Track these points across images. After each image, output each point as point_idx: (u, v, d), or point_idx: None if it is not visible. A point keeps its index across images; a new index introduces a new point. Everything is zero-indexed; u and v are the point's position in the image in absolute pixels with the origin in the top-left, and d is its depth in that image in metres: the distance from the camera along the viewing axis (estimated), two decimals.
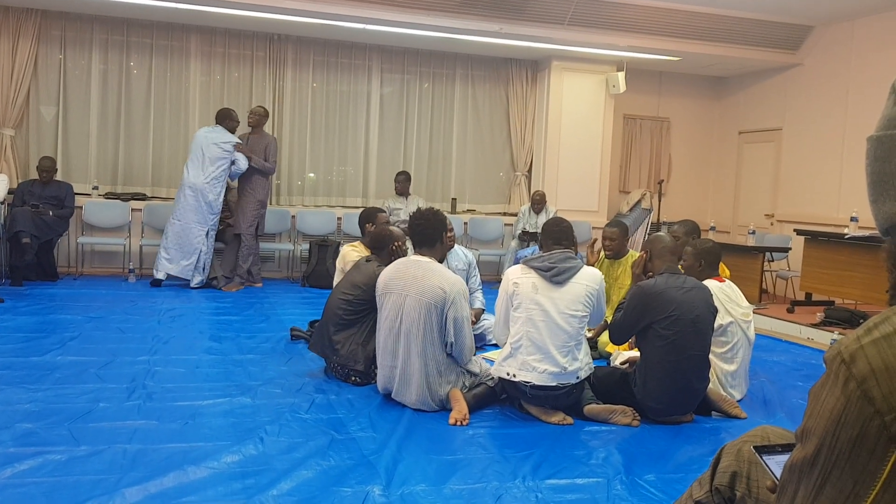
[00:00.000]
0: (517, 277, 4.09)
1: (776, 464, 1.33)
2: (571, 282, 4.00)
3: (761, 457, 1.38)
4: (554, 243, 4.19)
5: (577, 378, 3.95)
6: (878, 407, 0.81)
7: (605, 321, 5.05)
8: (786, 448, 1.36)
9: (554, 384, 3.90)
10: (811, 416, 0.90)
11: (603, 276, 4.21)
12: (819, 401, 0.89)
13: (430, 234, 4.28)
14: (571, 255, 4.11)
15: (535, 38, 8.87)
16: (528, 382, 3.91)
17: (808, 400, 0.92)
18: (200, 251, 7.94)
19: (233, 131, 8.15)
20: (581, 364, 3.97)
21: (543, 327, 3.93)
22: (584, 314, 4.00)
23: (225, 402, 4.09)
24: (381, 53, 9.77)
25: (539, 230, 8.97)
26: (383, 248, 4.86)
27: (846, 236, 7.23)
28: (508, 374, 3.98)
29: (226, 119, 8.17)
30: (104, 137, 8.95)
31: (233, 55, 9.29)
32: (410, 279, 4.12)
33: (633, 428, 3.99)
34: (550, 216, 8.33)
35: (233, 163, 8.00)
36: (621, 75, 9.69)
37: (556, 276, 3.99)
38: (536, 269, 4.05)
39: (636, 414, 4.05)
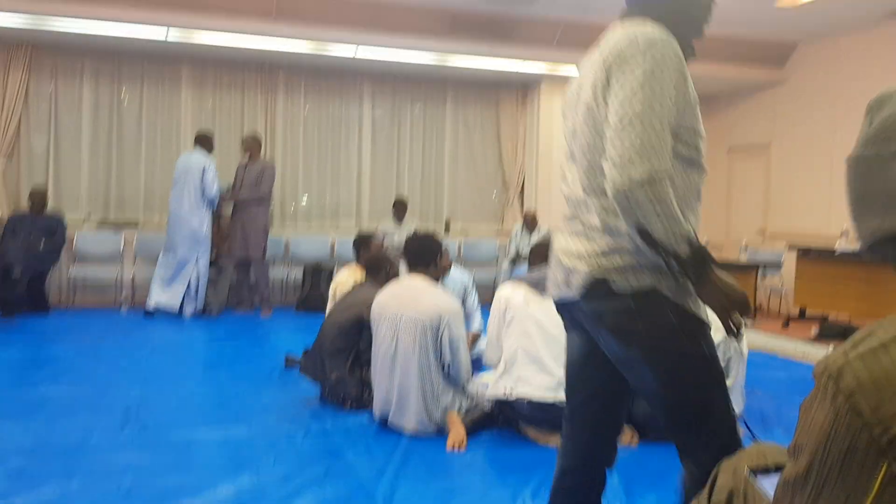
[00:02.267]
0: (508, 294, 4.10)
1: (770, 485, 1.32)
2: None
3: (756, 479, 1.38)
4: (542, 261, 4.22)
5: None
6: (867, 420, 0.81)
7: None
8: (781, 469, 1.35)
9: (551, 398, 3.87)
10: (802, 431, 0.90)
11: None
12: (809, 416, 0.89)
13: (425, 255, 4.29)
14: None
15: (524, 58, 8.93)
16: (524, 398, 3.89)
17: (799, 415, 0.93)
18: (191, 279, 7.92)
19: (210, 153, 8.17)
20: None
21: (538, 339, 3.92)
22: None
23: (219, 431, 4.06)
24: (372, 77, 9.83)
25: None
26: (380, 272, 4.84)
27: (837, 251, 7.26)
28: (505, 391, 3.96)
29: (203, 142, 8.18)
30: (95, 167, 8.96)
31: (224, 83, 9.33)
32: (405, 301, 4.11)
33: (632, 448, 3.97)
34: (542, 235, 8.36)
35: (202, 186, 7.97)
36: None
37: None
38: (527, 283, 4.06)
39: (635, 433, 4.03)
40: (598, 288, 1.91)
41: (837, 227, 8.06)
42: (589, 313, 1.98)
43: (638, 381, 2.00)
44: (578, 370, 2.22)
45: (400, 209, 9.28)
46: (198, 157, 8.03)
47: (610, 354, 2.01)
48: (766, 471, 1.39)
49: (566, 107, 2.16)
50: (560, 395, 3.87)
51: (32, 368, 5.42)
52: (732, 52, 9.17)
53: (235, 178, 8.43)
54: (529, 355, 3.92)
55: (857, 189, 0.97)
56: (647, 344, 1.89)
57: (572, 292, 1.99)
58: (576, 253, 1.98)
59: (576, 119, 2.04)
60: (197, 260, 7.95)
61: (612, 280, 1.89)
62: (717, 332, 4.54)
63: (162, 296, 7.95)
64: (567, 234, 2.05)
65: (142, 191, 9.10)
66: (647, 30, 1.87)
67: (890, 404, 0.80)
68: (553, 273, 2.13)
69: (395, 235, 8.80)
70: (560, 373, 3.88)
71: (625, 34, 1.90)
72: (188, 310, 7.93)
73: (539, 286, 4.02)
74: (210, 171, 7.99)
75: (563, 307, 2.15)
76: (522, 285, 4.07)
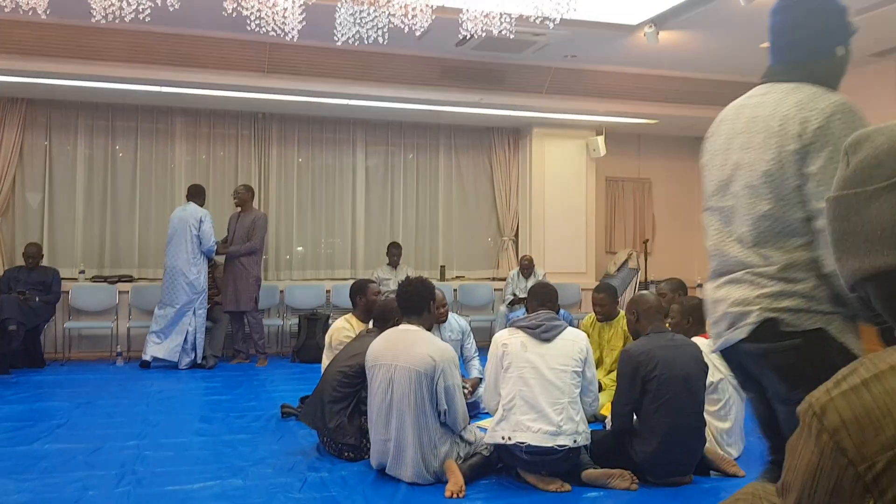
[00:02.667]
0: (505, 339, 4.11)
1: None
2: (559, 338, 4.05)
3: None
4: (539, 305, 4.25)
5: (575, 441, 3.91)
6: (852, 458, 0.82)
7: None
8: None
9: (550, 445, 3.86)
10: (789, 469, 0.91)
11: (586, 336, 4.24)
12: (795, 454, 0.90)
13: (418, 302, 4.29)
14: (556, 315, 4.17)
15: (515, 106, 9.04)
16: (523, 444, 3.87)
17: (786, 454, 0.93)
18: (188, 332, 7.91)
19: (202, 206, 8.21)
20: (577, 428, 3.93)
21: (535, 384, 3.92)
22: (575, 369, 4.00)
23: (216, 484, 4.02)
24: (365, 127, 9.93)
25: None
26: (388, 322, 4.75)
27: None
28: (504, 438, 3.94)
29: (196, 195, 8.23)
30: (90, 221, 8.99)
31: (217, 135, 9.41)
32: (399, 350, 4.11)
33: (632, 492, 3.94)
34: (539, 279, 8.37)
35: (199, 237, 8.00)
36: (601, 139, 9.86)
37: (545, 332, 4.03)
38: (524, 328, 4.07)
39: (634, 477, 4.01)
40: (767, 328, 2.00)
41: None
42: (753, 352, 2.06)
43: (792, 419, 2.08)
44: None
45: (395, 252, 9.31)
46: (193, 209, 8.07)
47: (771, 391, 2.09)
48: None
49: (711, 164, 2.25)
50: (558, 441, 3.86)
51: (28, 424, 5.37)
52: (721, 94, 9.26)
53: (228, 230, 8.46)
54: (527, 402, 3.91)
55: (837, 230, 0.99)
56: (812, 386, 1.94)
57: (740, 334, 2.06)
58: (742, 299, 2.06)
59: (735, 178, 2.14)
60: (195, 311, 7.95)
61: (783, 320, 1.98)
62: (715, 371, 4.55)
63: (158, 349, 7.92)
64: (726, 285, 2.14)
65: (136, 244, 9.11)
66: (834, 99, 1.99)
67: (873, 441, 0.81)
68: (716, 323, 2.20)
69: (391, 282, 8.80)
70: (557, 418, 3.88)
71: (809, 102, 2.01)
72: (184, 361, 7.90)
73: (537, 331, 4.04)
74: (206, 222, 8.03)
75: (728, 353, 2.22)
76: (520, 331, 4.08)
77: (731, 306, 2.10)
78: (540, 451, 3.88)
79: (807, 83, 2.05)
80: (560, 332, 4.07)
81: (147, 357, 7.94)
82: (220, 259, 8.47)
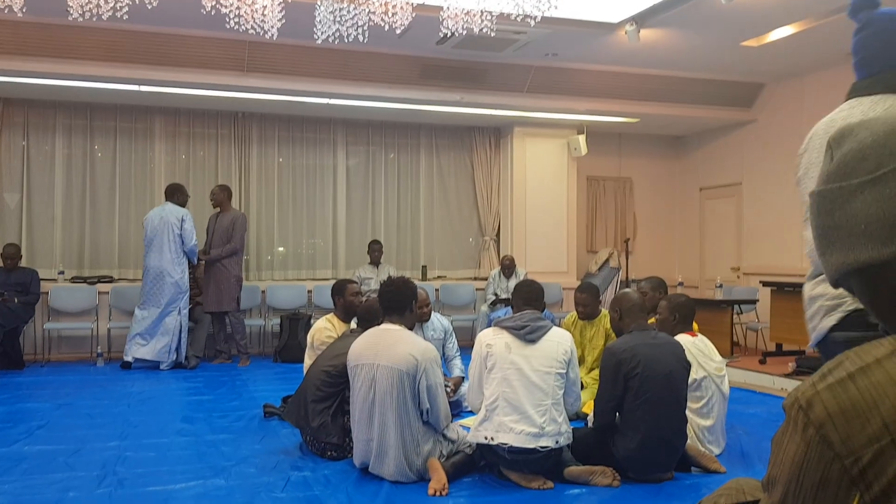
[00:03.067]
0: (490, 339, 4.10)
1: None
2: (544, 339, 4.03)
3: None
4: (525, 304, 4.23)
5: (557, 442, 3.92)
6: (838, 451, 0.82)
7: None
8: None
9: (532, 446, 3.86)
10: (775, 464, 0.91)
11: (572, 337, 4.22)
12: (781, 448, 0.90)
13: (400, 301, 4.28)
14: (541, 315, 4.15)
15: (495, 105, 9.06)
16: (505, 444, 3.88)
17: (771, 448, 0.93)
18: (172, 332, 7.86)
19: (183, 205, 8.15)
20: (560, 429, 3.94)
21: (519, 386, 3.92)
22: (559, 371, 4.00)
23: (198, 484, 4.00)
24: (346, 126, 9.90)
25: (510, 294, 9.03)
26: (371, 322, 4.72)
27: None
28: (486, 438, 3.95)
29: (175, 194, 8.17)
30: (69, 221, 8.91)
31: (197, 134, 9.36)
32: (381, 349, 4.10)
33: (614, 488, 3.95)
34: (521, 279, 8.38)
35: (181, 237, 7.95)
36: (582, 138, 9.89)
37: (529, 333, 4.01)
38: (509, 328, 4.07)
39: (616, 474, 4.02)
40: (857, 318, 2.05)
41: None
42: (842, 341, 2.10)
43: None
44: None
45: (375, 249, 9.29)
46: (172, 209, 8.01)
47: None
48: None
49: (806, 177, 2.39)
50: (540, 443, 3.87)
51: (7, 425, 5.32)
52: (701, 93, 9.36)
53: (207, 232, 8.41)
54: (510, 403, 3.91)
55: (821, 224, 0.98)
56: None
57: (830, 321, 2.15)
58: (837, 294, 2.12)
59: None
60: (179, 311, 7.90)
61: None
62: (699, 369, 4.58)
63: (144, 350, 7.86)
64: (823, 282, 2.23)
65: (116, 244, 9.05)
66: None
67: (859, 434, 0.82)
68: (811, 318, 2.29)
69: (373, 281, 8.79)
70: (540, 420, 3.88)
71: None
72: (166, 362, 7.84)
73: (521, 332, 4.03)
74: (188, 221, 7.99)
75: (822, 346, 2.29)
76: (504, 331, 4.08)
77: (826, 300, 2.19)
78: (522, 451, 3.88)
79: (891, 93, 2.16)
80: (545, 334, 4.06)
81: (129, 358, 7.88)
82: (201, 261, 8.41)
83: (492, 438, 3.92)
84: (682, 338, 4.50)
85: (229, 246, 8.15)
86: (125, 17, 5.18)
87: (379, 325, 4.41)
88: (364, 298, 5.54)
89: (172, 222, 7.92)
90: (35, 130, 8.82)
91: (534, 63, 8.55)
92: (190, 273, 8.23)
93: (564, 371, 4.03)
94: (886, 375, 0.83)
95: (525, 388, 3.92)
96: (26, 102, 8.71)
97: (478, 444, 4.07)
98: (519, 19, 5.47)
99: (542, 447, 3.87)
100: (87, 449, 4.69)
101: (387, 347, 4.09)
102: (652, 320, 4.85)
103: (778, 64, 8.64)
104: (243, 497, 3.79)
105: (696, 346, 4.54)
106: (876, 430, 0.81)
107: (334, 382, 4.52)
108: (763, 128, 9.81)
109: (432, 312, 5.81)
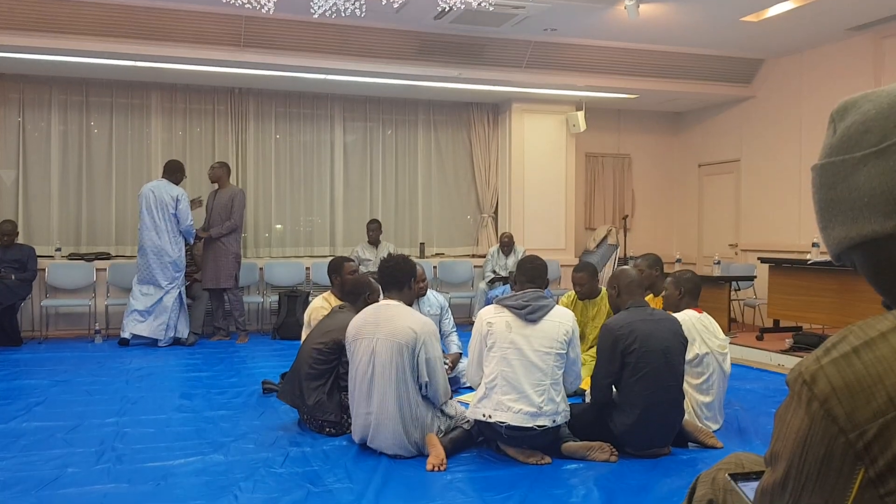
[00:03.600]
0: (491, 317, 4.09)
1: (752, 490, 1.33)
2: (545, 319, 4.02)
3: (737, 484, 1.38)
4: (528, 281, 4.21)
5: (554, 422, 3.93)
6: (842, 426, 0.82)
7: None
8: (760, 475, 1.36)
9: (529, 425, 3.88)
10: (778, 438, 0.91)
11: (574, 316, 4.21)
12: (784, 423, 0.89)
13: (399, 277, 4.29)
14: (543, 294, 4.14)
15: (494, 81, 9.00)
16: (503, 423, 3.89)
17: (774, 423, 0.93)
18: (170, 309, 7.86)
19: (179, 183, 8.11)
20: (558, 408, 3.95)
21: (518, 365, 3.92)
22: (559, 351, 4.00)
23: (197, 460, 4.01)
24: (343, 102, 9.85)
25: (509, 272, 9.03)
26: (359, 297, 4.81)
27: (809, 262, 7.35)
28: (484, 416, 3.96)
29: (175, 172, 8.12)
30: (66, 198, 8.88)
31: (194, 110, 9.30)
32: (381, 322, 4.10)
33: (612, 463, 3.98)
34: (520, 256, 8.37)
35: (176, 217, 7.93)
36: (580, 114, 9.85)
37: (531, 313, 4.00)
38: (510, 307, 4.05)
39: (614, 449, 4.04)
40: None
41: (808, 239, 8.16)
42: None
43: None
44: None
45: (374, 228, 9.26)
46: (167, 187, 7.96)
47: None
48: (745, 477, 1.40)
49: None
50: (538, 422, 3.88)
51: (6, 402, 5.32)
52: (700, 69, 9.30)
53: (206, 209, 8.38)
54: (509, 382, 3.92)
55: (822, 198, 0.97)
56: None
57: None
58: None
59: None
60: (178, 288, 7.90)
61: None
62: (702, 345, 4.58)
63: (143, 327, 7.86)
64: None
65: (113, 220, 9.02)
66: None
67: (864, 409, 0.81)
68: None
69: (371, 263, 8.77)
70: (538, 400, 3.89)
71: None
72: (164, 339, 7.85)
73: (522, 311, 4.02)
74: (183, 201, 7.96)
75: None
76: (505, 310, 4.06)
77: None
78: (520, 429, 3.89)
79: None
80: (546, 314, 4.03)
81: (126, 335, 7.88)
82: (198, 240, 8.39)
83: (490, 416, 3.93)
84: (688, 313, 4.49)
85: (229, 223, 8.12)
86: None
87: (368, 300, 4.45)
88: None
89: (167, 201, 7.88)
90: (30, 106, 8.76)
91: (532, 38, 8.49)
92: (187, 251, 8.22)
93: (564, 351, 4.02)
94: (891, 349, 0.83)
95: (524, 368, 3.92)
96: (21, 78, 8.65)
97: (476, 421, 4.08)
98: None
99: (539, 426, 3.89)
100: (85, 425, 4.70)
101: (386, 321, 4.09)
102: (659, 299, 4.84)
103: (777, 39, 8.59)
104: (242, 472, 3.80)
105: (702, 322, 4.53)
106: (881, 404, 0.80)
107: (326, 359, 4.53)
108: (762, 104, 9.77)
109: (429, 289, 5.82)
